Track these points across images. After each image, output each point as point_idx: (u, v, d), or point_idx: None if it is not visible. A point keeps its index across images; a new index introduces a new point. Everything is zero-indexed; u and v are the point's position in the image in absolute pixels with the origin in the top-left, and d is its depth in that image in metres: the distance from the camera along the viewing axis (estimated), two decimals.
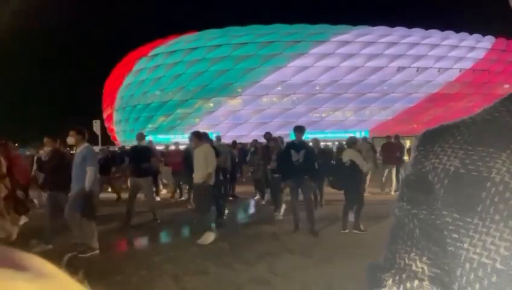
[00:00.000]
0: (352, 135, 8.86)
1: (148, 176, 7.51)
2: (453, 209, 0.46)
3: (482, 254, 0.42)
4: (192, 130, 7.70)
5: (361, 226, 6.46)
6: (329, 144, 32.07)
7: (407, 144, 17.93)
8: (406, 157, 12.48)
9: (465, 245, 0.44)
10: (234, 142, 12.76)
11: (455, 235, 0.45)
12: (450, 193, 0.47)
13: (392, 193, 10.71)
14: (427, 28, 49.55)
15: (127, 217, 7.09)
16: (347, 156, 6.62)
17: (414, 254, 0.50)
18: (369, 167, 7.41)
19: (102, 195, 11.27)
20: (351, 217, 6.67)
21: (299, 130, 6.65)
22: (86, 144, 5.50)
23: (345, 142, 8.08)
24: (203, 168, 6.09)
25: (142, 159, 7.47)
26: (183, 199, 10.60)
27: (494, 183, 0.44)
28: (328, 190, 8.37)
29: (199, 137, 6.58)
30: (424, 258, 0.50)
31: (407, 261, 0.50)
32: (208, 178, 6.02)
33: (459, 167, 0.47)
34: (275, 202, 8.15)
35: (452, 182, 0.47)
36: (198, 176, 6.13)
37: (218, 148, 10.05)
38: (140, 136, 8.13)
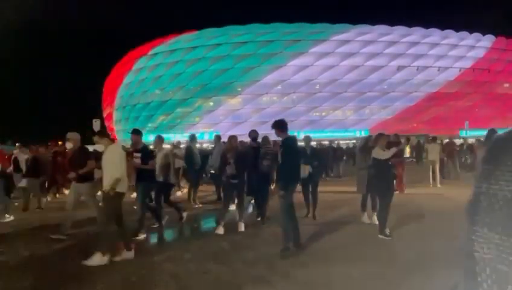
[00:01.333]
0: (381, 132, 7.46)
1: (83, 181, 6.31)
2: (504, 231, 0.50)
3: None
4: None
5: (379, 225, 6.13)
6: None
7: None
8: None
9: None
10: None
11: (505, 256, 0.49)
12: (503, 217, 0.50)
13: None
14: (427, 27, 49.57)
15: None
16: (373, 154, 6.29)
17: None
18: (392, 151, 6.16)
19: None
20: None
21: (275, 126, 5.47)
22: None
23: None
24: (111, 174, 5.14)
25: (75, 162, 6.44)
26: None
27: None
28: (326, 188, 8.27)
29: (101, 136, 5.58)
30: None
31: None
32: (115, 185, 5.05)
33: None
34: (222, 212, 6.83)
35: (506, 207, 0.51)
36: (106, 183, 5.18)
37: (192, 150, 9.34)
38: (70, 136, 6.89)
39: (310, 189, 7.57)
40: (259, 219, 7.37)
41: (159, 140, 7.91)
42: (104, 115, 53.43)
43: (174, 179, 7.80)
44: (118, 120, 52.19)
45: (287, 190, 5.24)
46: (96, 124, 23.73)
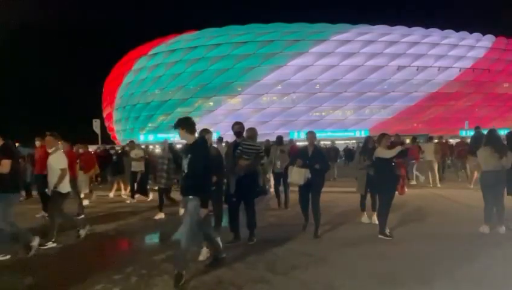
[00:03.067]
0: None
1: None
2: None
3: None
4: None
5: (387, 231, 5.93)
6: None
7: (407, 142, 17.88)
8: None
9: None
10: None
11: None
12: None
13: None
14: (427, 26, 49.62)
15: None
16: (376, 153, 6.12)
17: None
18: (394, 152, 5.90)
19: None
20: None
21: (179, 124, 4.51)
22: None
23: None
24: None
25: None
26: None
27: None
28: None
29: None
30: None
31: None
32: None
33: None
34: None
35: None
36: None
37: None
38: None
39: (310, 198, 6.15)
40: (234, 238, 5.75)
41: (54, 138, 6.29)
42: (104, 115, 53.45)
43: (72, 188, 6.55)
44: (117, 120, 52.21)
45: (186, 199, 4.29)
46: (96, 124, 23.71)
